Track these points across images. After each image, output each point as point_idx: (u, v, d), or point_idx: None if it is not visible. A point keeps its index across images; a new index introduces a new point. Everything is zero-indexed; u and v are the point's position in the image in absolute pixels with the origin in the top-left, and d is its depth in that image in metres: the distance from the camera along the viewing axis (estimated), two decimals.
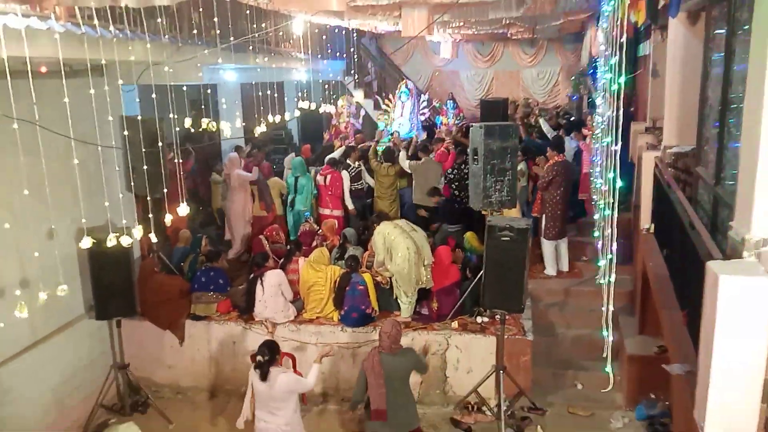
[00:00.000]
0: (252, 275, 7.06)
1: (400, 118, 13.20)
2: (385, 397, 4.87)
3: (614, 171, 3.51)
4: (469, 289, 6.72)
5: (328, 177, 9.02)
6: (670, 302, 4.65)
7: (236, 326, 6.96)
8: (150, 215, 4.33)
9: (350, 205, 9.12)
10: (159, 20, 5.72)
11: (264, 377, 4.83)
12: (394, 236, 6.67)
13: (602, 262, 4.33)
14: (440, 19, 8.38)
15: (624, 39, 3.83)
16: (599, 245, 4.78)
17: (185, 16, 6.95)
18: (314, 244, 7.87)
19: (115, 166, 5.65)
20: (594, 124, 9.37)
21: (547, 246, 8.19)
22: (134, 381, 6.81)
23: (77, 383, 6.62)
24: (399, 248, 6.60)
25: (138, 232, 4.09)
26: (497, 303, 5.96)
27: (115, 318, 6.49)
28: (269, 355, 4.87)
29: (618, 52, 3.89)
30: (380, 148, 9.96)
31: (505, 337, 6.22)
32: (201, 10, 6.82)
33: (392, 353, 4.99)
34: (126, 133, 5.19)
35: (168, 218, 4.51)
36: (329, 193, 9.02)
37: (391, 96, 13.64)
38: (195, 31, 6.86)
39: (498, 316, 6.18)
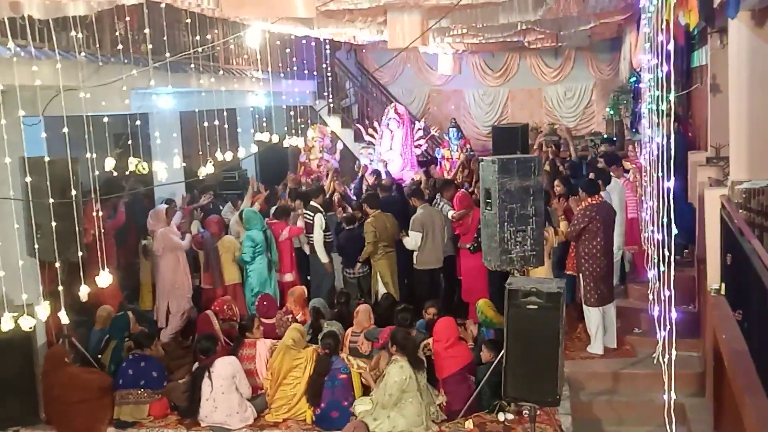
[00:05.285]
0: (197, 365, 6.97)
1: (389, 152, 13.31)
2: None
3: (668, 214, 3.55)
4: (486, 376, 6.66)
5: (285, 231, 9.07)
6: (753, 387, 4.62)
7: None
8: (60, 287, 4.28)
9: (324, 258, 9.05)
10: (73, 34, 5.80)
11: None
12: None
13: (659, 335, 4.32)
14: (437, 25, 8.58)
15: (672, 46, 3.94)
16: (654, 312, 4.78)
17: (107, 28, 7.07)
18: (275, 319, 7.85)
19: (14, 224, 5.62)
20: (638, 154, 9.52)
21: (594, 315, 8.14)
22: None
23: None
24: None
25: (43, 310, 4.04)
26: (524, 393, 5.90)
27: (11, 428, 6.35)
28: None
29: (665, 63, 4.00)
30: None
31: None
32: (128, 19, 6.91)
33: None
34: (29, 179, 5.18)
35: (84, 291, 4.46)
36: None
37: (376, 124, 13.81)
38: (120, 47, 6.96)
39: (526, 411, 6.11)
